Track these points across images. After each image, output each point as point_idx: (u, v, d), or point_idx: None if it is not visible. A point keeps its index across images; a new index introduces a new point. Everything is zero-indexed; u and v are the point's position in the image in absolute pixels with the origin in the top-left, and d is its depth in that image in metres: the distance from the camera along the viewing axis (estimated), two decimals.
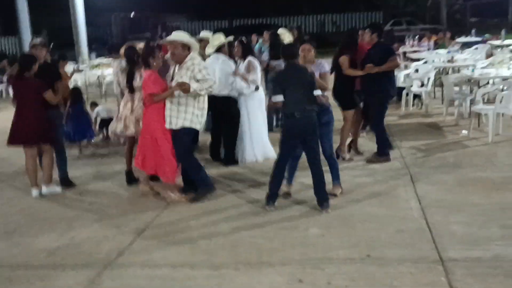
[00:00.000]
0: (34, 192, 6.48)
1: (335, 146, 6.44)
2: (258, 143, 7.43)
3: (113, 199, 6.32)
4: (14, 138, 6.43)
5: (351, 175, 6.62)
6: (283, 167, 5.65)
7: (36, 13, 24.41)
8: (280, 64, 7.48)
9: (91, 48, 24.22)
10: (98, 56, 19.55)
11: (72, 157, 7.85)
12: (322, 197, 5.56)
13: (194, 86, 5.68)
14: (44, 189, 6.54)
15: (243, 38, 7.71)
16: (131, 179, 6.83)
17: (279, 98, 5.44)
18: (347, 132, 7.30)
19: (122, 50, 7.47)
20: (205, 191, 6.00)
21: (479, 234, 4.78)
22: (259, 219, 5.40)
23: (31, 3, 22.54)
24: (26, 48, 22.12)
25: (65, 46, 26.68)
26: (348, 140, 7.45)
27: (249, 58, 7.40)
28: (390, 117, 9.82)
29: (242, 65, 7.35)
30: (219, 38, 7.36)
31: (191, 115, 5.78)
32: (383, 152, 7.13)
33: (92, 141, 9.06)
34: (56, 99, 6.53)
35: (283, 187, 5.88)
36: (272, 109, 5.79)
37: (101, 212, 5.92)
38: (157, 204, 6.03)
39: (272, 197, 5.65)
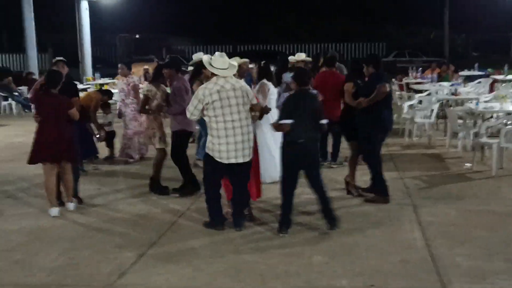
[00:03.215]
0: (54, 211, 6.37)
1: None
2: (263, 165, 7.40)
3: (115, 219, 6.29)
4: (38, 155, 6.33)
5: (355, 204, 6.60)
6: (291, 193, 5.61)
7: (42, 31, 24.64)
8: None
9: (95, 68, 24.36)
10: (102, 76, 19.63)
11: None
12: (331, 218, 5.60)
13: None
14: (71, 206, 6.54)
15: (263, 63, 7.82)
16: (154, 187, 7.13)
17: (287, 121, 5.43)
18: (353, 165, 7.03)
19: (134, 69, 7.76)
20: (211, 225, 5.80)
21: (483, 267, 4.75)
22: (262, 244, 5.37)
23: (37, 21, 22.75)
24: (32, 65, 22.37)
25: (69, 65, 26.78)
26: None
27: (263, 80, 7.46)
28: (393, 147, 9.87)
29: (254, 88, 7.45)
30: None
31: (208, 142, 5.68)
32: (380, 191, 6.69)
33: (96, 158, 9.09)
34: (77, 115, 6.55)
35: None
36: (276, 131, 5.74)
37: (103, 231, 5.88)
38: (159, 224, 5.99)
39: (284, 223, 5.60)
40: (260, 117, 6.05)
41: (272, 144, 7.39)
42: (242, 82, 5.77)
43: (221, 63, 5.60)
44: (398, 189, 7.17)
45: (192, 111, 5.63)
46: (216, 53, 5.77)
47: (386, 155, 9.27)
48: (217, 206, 5.79)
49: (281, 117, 5.53)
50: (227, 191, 5.98)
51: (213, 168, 5.70)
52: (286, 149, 5.56)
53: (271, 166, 7.22)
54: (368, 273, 4.67)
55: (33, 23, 22.50)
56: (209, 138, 5.67)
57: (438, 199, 6.78)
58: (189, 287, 4.51)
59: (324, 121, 5.63)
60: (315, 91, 6.23)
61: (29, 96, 6.80)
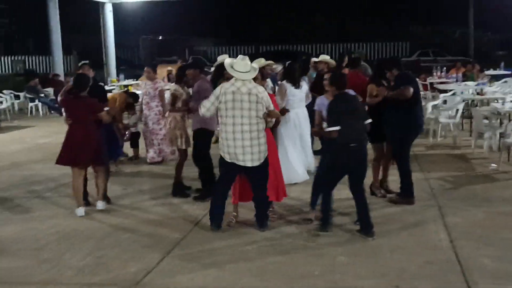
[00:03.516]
0: (80, 211, 6.46)
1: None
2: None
3: (141, 219, 6.37)
4: (67, 158, 6.40)
5: (379, 205, 6.56)
6: (330, 194, 5.63)
7: (66, 33, 25.01)
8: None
9: (119, 69, 24.64)
10: (126, 77, 19.88)
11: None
12: (367, 224, 5.56)
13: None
14: (100, 205, 6.63)
15: (287, 63, 7.87)
16: (176, 191, 7.15)
17: (335, 128, 5.38)
18: (376, 167, 6.99)
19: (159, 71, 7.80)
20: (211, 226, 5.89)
21: (509, 269, 4.72)
22: (285, 245, 5.39)
23: (62, 23, 23.10)
24: (58, 67, 22.69)
25: (94, 67, 27.15)
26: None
27: (282, 82, 7.49)
28: (417, 148, 9.76)
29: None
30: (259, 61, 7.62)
31: (220, 143, 5.77)
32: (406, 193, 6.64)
33: (121, 159, 9.20)
34: (109, 118, 6.65)
35: (310, 215, 5.93)
36: (322, 137, 5.70)
37: (129, 231, 5.96)
38: (183, 225, 6.06)
39: (327, 222, 5.62)
40: (276, 125, 6.01)
41: (289, 146, 7.42)
42: (260, 88, 5.69)
43: (242, 66, 5.62)
44: (423, 190, 7.12)
45: (208, 106, 5.68)
46: (239, 56, 5.82)
47: (411, 155, 9.18)
48: (219, 208, 5.83)
49: (329, 123, 5.46)
50: (234, 195, 6.00)
51: (226, 169, 5.76)
52: (338, 152, 5.48)
53: (287, 168, 7.22)
54: (393, 274, 4.66)
55: (59, 26, 22.86)
56: (220, 139, 5.76)
57: (463, 200, 6.72)
58: (214, 287, 4.54)
59: (368, 121, 5.63)
60: (353, 92, 6.07)
61: (58, 99, 6.85)
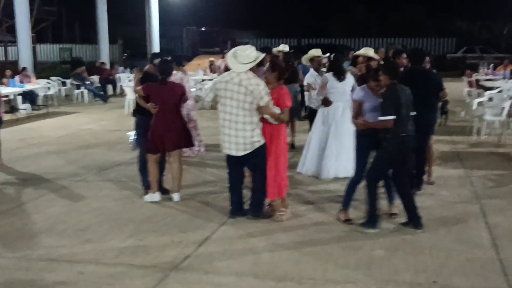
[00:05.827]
0: (156, 197, 6.53)
1: None
2: (327, 158, 7.41)
3: (181, 205, 6.47)
4: (158, 145, 6.39)
5: (419, 201, 6.44)
6: (376, 187, 5.54)
7: (112, 23, 25.51)
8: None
9: None
10: None
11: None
12: (414, 216, 5.55)
13: None
14: (177, 197, 6.61)
15: (332, 56, 7.96)
16: None
17: (391, 117, 5.29)
18: (429, 156, 7.01)
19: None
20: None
21: None
22: (323, 237, 5.39)
23: (108, 13, 23.56)
24: (104, 55, 23.14)
25: (137, 56, 27.75)
26: None
27: (325, 74, 7.50)
28: (460, 145, 9.61)
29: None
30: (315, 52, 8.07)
31: None
32: None
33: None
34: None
35: (392, 208, 5.92)
36: (380, 128, 5.58)
37: (169, 216, 6.07)
38: (222, 211, 6.13)
39: (374, 219, 5.54)
40: (278, 120, 5.69)
41: (327, 139, 7.41)
42: (253, 81, 5.53)
43: (243, 58, 5.58)
44: (464, 188, 7.01)
45: (207, 93, 5.93)
46: (246, 45, 5.88)
47: (453, 152, 9.07)
48: (233, 197, 5.98)
49: (385, 112, 5.35)
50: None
51: (228, 161, 5.93)
52: (391, 143, 5.39)
53: (321, 159, 7.43)
54: (431, 270, 4.60)
55: (106, 16, 23.32)
56: None
57: (506, 199, 6.58)
58: (251, 274, 4.59)
59: (413, 113, 5.54)
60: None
61: (136, 88, 6.65)
